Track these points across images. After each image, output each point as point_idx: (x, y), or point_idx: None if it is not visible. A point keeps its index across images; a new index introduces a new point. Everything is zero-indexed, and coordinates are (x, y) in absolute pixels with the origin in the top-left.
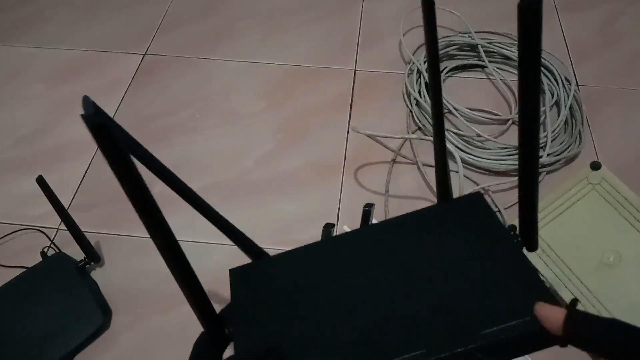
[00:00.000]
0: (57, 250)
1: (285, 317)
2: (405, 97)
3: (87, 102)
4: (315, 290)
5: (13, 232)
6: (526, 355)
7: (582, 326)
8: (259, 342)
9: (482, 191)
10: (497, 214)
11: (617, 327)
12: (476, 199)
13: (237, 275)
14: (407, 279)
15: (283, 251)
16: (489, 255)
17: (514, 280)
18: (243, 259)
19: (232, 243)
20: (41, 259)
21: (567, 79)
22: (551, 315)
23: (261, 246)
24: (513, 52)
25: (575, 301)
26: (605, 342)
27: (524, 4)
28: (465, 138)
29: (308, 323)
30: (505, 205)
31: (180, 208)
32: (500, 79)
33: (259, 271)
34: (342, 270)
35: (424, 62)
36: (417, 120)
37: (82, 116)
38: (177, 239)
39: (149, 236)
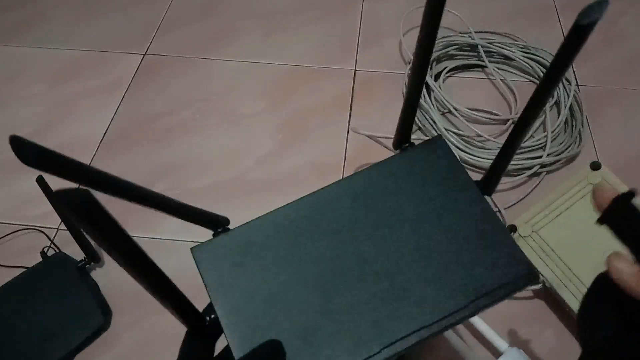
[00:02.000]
0: (57, 250)
1: (267, 296)
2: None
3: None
4: (291, 262)
5: (13, 232)
6: (521, 350)
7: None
8: (250, 333)
9: None
10: (497, 214)
11: None
12: (441, 147)
13: (201, 254)
14: (379, 242)
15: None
16: (457, 206)
17: (485, 237)
18: None
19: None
20: (41, 259)
21: (567, 79)
22: (604, 192)
23: None
24: (513, 52)
25: (631, 194)
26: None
27: (583, 22)
28: (465, 138)
29: (292, 301)
30: (505, 205)
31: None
32: (500, 79)
33: (227, 245)
34: (312, 235)
35: None
36: (417, 120)
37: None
38: (178, 239)
39: (149, 236)
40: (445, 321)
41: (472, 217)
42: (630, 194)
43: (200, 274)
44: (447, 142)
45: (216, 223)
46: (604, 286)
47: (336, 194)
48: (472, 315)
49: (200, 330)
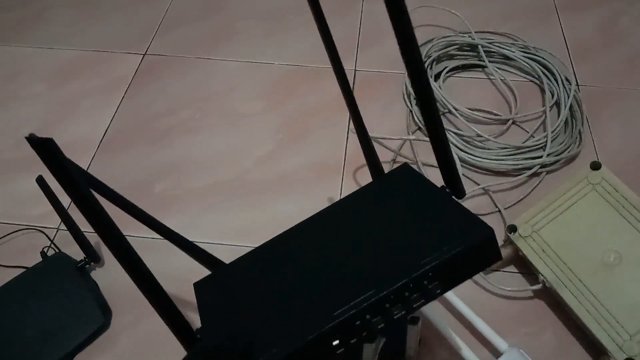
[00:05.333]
0: (57, 250)
1: (245, 311)
2: (405, 97)
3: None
4: (269, 280)
5: (13, 232)
6: (521, 351)
7: None
8: (222, 336)
9: (482, 191)
10: (497, 214)
11: None
12: (405, 170)
13: (200, 288)
14: (354, 244)
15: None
16: (423, 207)
17: (446, 218)
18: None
19: (235, 243)
20: (41, 259)
21: (567, 79)
22: None
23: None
24: (513, 52)
25: None
26: None
27: None
28: (465, 138)
29: (266, 308)
30: (506, 205)
31: (183, 208)
32: (500, 79)
33: (218, 279)
34: (293, 258)
35: (424, 62)
36: (417, 121)
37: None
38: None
39: (149, 236)
40: (390, 287)
41: (432, 210)
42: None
43: (198, 306)
44: (411, 167)
45: (214, 263)
46: None
47: (312, 226)
48: (429, 277)
49: (189, 342)
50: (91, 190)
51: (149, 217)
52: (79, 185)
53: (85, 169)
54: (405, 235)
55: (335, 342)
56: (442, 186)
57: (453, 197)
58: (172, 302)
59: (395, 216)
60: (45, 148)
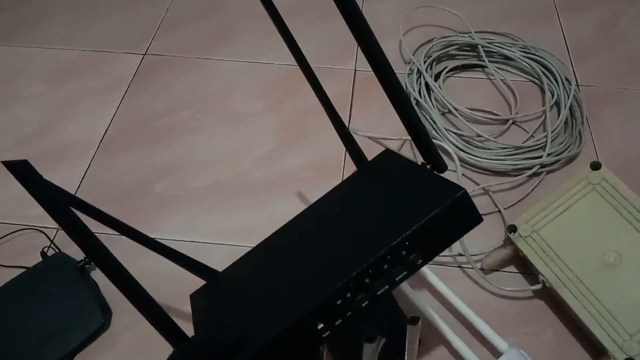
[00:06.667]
0: (57, 250)
1: (233, 309)
2: None
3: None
4: (257, 280)
5: (13, 232)
6: (521, 351)
7: None
8: (209, 332)
9: (482, 191)
10: (497, 213)
11: None
12: (386, 154)
13: (195, 299)
14: (336, 229)
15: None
16: (402, 184)
17: (422, 190)
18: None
19: (235, 243)
20: (41, 259)
21: (567, 79)
22: None
23: None
24: (513, 52)
25: None
26: None
27: None
28: (465, 138)
29: (253, 304)
30: (506, 205)
31: (183, 208)
32: (500, 79)
33: (211, 288)
34: (280, 254)
35: (424, 62)
36: None
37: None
38: (178, 239)
39: (150, 236)
40: (384, 249)
41: (412, 185)
42: None
43: (192, 315)
44: (393, 151)
45: (207, 273)
46: None
47: (300, 221)
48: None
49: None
50: (72, 209)
51: (136, 232)
52: (58, 204)
53: (85, 169)
54: (384, 213)
55: (320, 326)
56: (422, 163)
57: (435, 172)
58: (156, 303)
59: (376, 197)
60: (21, 171)
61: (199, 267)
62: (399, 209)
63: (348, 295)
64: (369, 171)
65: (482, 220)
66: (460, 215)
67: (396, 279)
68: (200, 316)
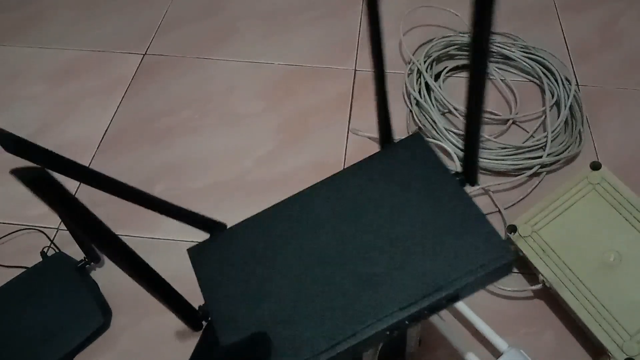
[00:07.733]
0: (57, 250)
1: (254, 293)
2: (405, 97)
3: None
4: (275, 258)
5: (13, 232)
6: (521, 351)
7: None
8: (238, 329)
9: (482, 191)
10: (497, 214)
11: None
12: (416, 142)
13: (196, 254)
14: (363, 235)
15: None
16: (436, 200)
17: (463, 225)
18: None
19: None
20: (41, 259)
21: (567, 79)
22: None
23: None
24: (513, 52)
25: None
26: None
27: None
28: None
29: (278, 299)
30: (506, 205)
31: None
32: (500, 79)
33: (217, 247)
34: (298, 234)
35: (424, 62)
36: (417, 121)
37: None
38: (178, 239)
39: (149, 236)
40: (414, 307)
41: (448, 207)
42: None
43: (195, 273)
44: (424, 137)
45: (212, 226)
46: None
47: (321, 192)
48: (450, 299)
49: (193, 322)
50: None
51: (129, 187)
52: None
53: None
54: (421, 239)
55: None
56: (456, 172)
57: (464, 187)
58: (173, 289)
59: (407, 205)
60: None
61: (204, 220)
62: (439, 245)
63: (387, 333)
64: (396, 159)
65: (511, 271)
66: (501, 274)
67: (422, 319)
68: (208, 282)
